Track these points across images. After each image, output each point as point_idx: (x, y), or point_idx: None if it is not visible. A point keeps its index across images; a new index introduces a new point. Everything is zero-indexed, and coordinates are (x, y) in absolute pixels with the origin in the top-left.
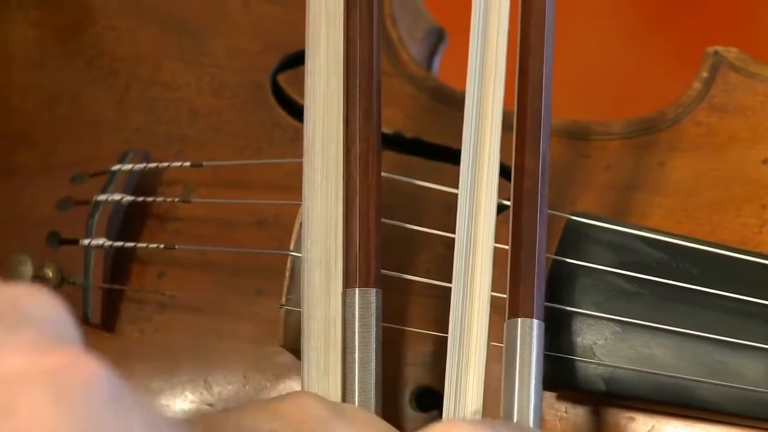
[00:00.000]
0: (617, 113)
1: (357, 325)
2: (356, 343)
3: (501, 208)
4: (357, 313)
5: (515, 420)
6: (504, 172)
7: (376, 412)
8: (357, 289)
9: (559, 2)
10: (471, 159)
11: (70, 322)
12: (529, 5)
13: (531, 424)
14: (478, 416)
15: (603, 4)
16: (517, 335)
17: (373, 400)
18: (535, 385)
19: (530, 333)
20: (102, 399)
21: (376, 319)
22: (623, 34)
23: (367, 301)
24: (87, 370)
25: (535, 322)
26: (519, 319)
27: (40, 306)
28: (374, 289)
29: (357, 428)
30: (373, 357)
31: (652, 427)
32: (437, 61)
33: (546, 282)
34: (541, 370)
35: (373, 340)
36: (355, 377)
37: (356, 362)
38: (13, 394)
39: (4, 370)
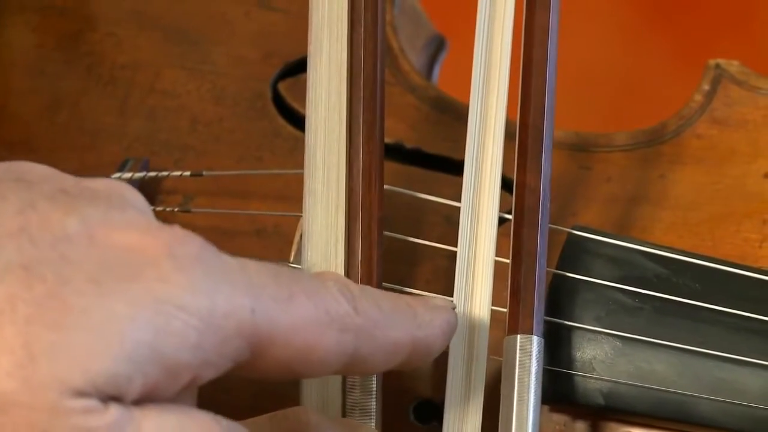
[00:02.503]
0: (614, 115)
1: None
2: None
3: (501, 221)
4: None
5: None
6: (506, 185)
7: (376, 424)
8: None
9: None
10: (473, 172)
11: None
12: (532, 22)
13: None
14: (478, 429)
15: (600, 4)
16: (516, 352)
17: (373, 412)
18: (534, 402)
19: (529, 350)
20: (211, 263)
21: None
22: (621, 35)
23: None
24: (194, 242)
25: (535, 338)
26: (518, 335)
27: (136, 195)
28: None
29: None
30: None
31: None
32: (437, 70)
33: (546, 296)
34: (540, 386)
35: None
36: (355, 389)
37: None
38: (139, 262)
39: (126, 243)
